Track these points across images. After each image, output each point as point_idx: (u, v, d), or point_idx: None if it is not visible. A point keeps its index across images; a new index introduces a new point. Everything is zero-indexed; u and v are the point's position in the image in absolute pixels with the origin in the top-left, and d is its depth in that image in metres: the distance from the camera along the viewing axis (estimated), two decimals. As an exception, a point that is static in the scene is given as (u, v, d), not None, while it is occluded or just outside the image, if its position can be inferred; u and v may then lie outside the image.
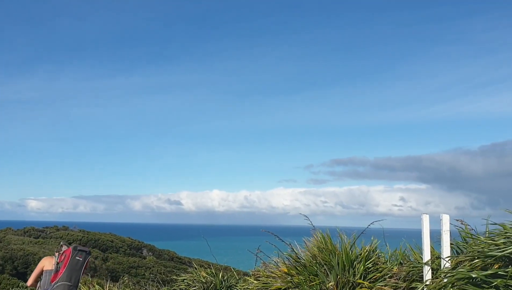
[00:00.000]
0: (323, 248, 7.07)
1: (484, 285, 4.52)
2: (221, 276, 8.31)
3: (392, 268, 6.94)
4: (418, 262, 6.69)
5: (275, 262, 7.60)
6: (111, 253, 44.51)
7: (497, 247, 4.70)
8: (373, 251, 7.06)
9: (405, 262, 7.24)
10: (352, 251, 6.98)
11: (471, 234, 6.04)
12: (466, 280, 4.74)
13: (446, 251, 5.69)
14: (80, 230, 52.18)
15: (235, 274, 8.92)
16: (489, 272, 4.51)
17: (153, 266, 41.09)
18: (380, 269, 6.86)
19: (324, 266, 6.82)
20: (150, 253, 50.80)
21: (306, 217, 7.73)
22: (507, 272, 4.40)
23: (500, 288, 4.39)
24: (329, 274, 6.75)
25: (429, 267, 6.26)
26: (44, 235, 48.59)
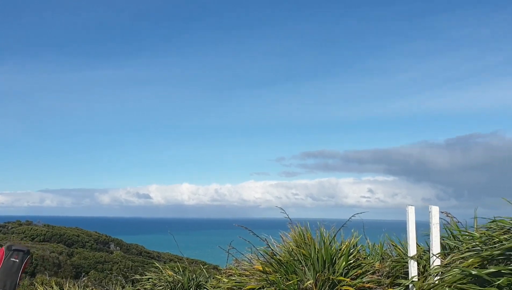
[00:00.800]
0: (301, 242, 6.53)
1: (485, 284, 4.06)
2: (189, 274, 7.67)
3: (374, 264, 6.47)
4: (402, 258, 6.23)
5: (248, 258, 7.03)
6: (76, 248, 43.14)
7: (499, 243, 4.24)
8: (354, 245, 6.57)
9: (387, 257, 6.78)
10: (332, 246, 6.47)
11: (462, 230, 5.60)
12: (466, 279, 4.27)
13: (436, 246, 5.23)
14: (45, 225, 50.41)
15: (205, 271, 8.29)
16: (492, 270, 4.05)
17: (120, 261, 39.99)
18: (362, 265, 6.38)
19: (303, 262, 6.28)
20: (117, 247, 49.57)
21: (282, 209, 7.18)
22: (511, 270, 3.95)
23: (504, 288, 3.93)
24: (307, 271, 6.22)
25: (415, 263, 5.80)
26: (6, 230, 46.70)
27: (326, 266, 6.21)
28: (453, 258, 4.84)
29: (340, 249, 6.48)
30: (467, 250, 4.73)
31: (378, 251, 6.82)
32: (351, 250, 6.48)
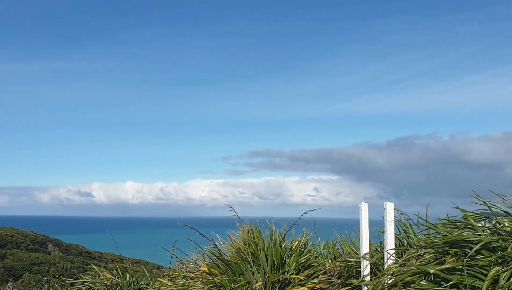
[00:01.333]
0: (250, 242, 6.17)
1: (443, 283, 3.85)
2: (129, 277, 7.11)
3: (325, 263, 6.22)
4: (353, 257, 6.02)
5: (194, 260, 6.59)
6: (10, 249, 40.66)
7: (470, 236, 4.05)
8: (304, 244, 6.28)
9: (338, 256, 6.56)
10: (282, 245, 6.15)
11: (424, 225, 5.43)
12: (419, 276, 4.05)
13: (390, 243, 5.02)
14: (-25, 225, 47.22)
15: (147, 273, 7.75)
16: (448, 266, 3.85)
17: (58, 262, 38.09)
18: (313, 264, 6.11)
19: (251, 263, 5.92)
20: (56, 248, 47.29)
21: (231, 207, 6.79)
22: (469, 265, 3.76)
23: (460, 286, 3.74)
24: (256, 272, 5.87)
25: (367, 262, 5.59)
26: None
27: (276, 266, 5.89)
28: (408, 256, 4.64)
29: (290, 248, 6.18)
30: (424, 245, 4.53)
31: (330, 250, 6.58)
32: (302, 249, 6.19)
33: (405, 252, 5.02)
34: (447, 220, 4.88)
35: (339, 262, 6.15)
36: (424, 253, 4.46)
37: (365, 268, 5.55)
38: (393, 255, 5.01)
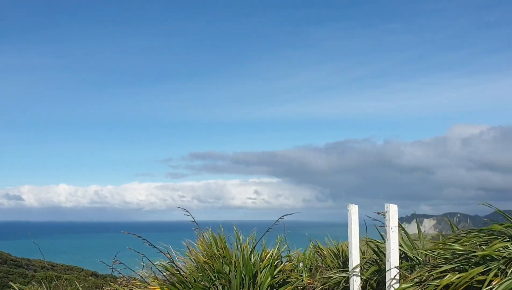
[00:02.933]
0: (212, 254, 5.02)
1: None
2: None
3: (303, 279, 5.20)
4: (340, 270, 5.04)
5: (142, 277, 5.34)
6: None
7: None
8: (278, 256, 5.23)
9: (315, 268, 5.56)
10: (252, 258, 5.06)
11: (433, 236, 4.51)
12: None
13: (394, 256, 4.06)
14: None
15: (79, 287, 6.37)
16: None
17: (-20, 272, 34.67)
18: (290, 280, 5.06)
19: (216, 281, 4.78)
20: (-23, 256, 43.29)
21: (187, 211, 5.61)
22: None
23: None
24: (222, 292, 4.73)
25: (358, 278, 4.63)
26: None
27: (246, 284, 4.79)
28: (423, 273, 3.69)
29: (261, 261, 5.10)
30: (444, 262, 3.60)
31: (306, 261, 5.56)
32: (276, 262, 5.13)
33: (412, 268, 4.09)
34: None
35: (319, 277, 5.15)
36: (445, 270, 3.52)
37: (356, 285, 4.59)
38: (402, 271, 4.06)
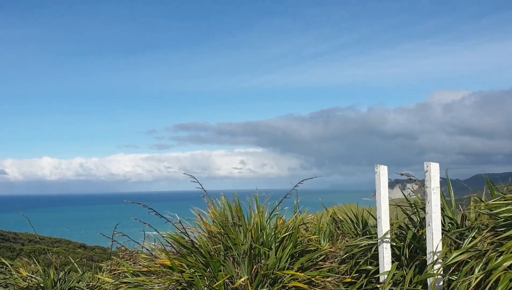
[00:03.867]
0: (226, 223, 4.58)
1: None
2: (54, 274, 5.26)
3: (324, 246, 4.81)
4: (367, 237, 4.65)
5: (147, 249, 4.89)
6: None
7: None
8: (300, 222, 4.80)
9: (337, 235, 5.18)
10: (269, 226, 4.63)
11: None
12: None
13: (436, 220, 3.65)
14: None
15: (77, 267, 5.92)
16: None
17: (-36, 247, 34.03)
18: (310, 248, 4.66)
19: (231, 251, 4.35)
20: (-38, 231, 42.52)
21: (194, 178, 5.13)
22: None
23: None
24: (239, 263, 4.31)
25: (388, 245, 4.24)
26: None
27: (265, 254, 4.37)
28: (476, 241, 3.29)
29: (277, 229, 4.67)
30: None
31: (325, 229, 5.16)
32: (292, 231, 4.71)
33: (463, 235, 3.69)
34: None
35: (341, 244, 4.76)
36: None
37: (386, 253, 4.21)
38: (450, 236, 3.67)
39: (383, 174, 4.30)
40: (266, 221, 4.60)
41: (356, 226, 5.38)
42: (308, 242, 4.78)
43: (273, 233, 4.46)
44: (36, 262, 6.42)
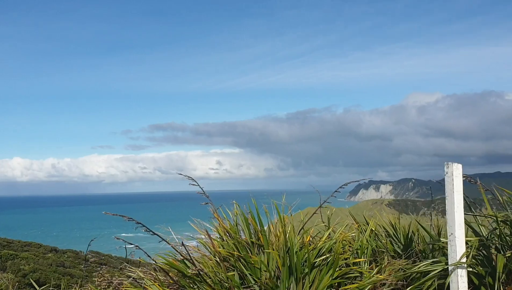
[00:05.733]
0: (241, 242, 3.39)
1: None
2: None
3: (372, 274, 3.65)
4: (433, 261, 3.52)
5: (134, 278, 3.63)
6: None
7: None
8: (340, 241, 3.64)
9: (379, 254, 4.03)
10: (297, 245, 3.45)
11: None
12: None
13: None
14: None
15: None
16: None
17: None
18: (351, 274, 3.50)
19: (247, 280, 3.16)
20: None
21: (193, 180, 3.94)
22: None
23: None
24: (261, 298, 3.13)
25: (464, 271, 3.13)
26: None
27: (296, 285, 3.20)
28: None
29: (308, 250, 3.48)
30: None
31: (363, 241, 4.00)
32: (329, 252, 3.54)
33: None
34: None
35: (393, 269, 3.61)
36: None
37: (461, 282, 3.09)
38: None
39: (457, 175, 3.18)
40: (298, 239, 3.43)
41: (394, 239, 4.27)
42: (346, 262, 3.62)
43: (305, 255, 3.30)
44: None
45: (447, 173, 3.18)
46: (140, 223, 3.20)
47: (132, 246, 3.69)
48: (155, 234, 3.27)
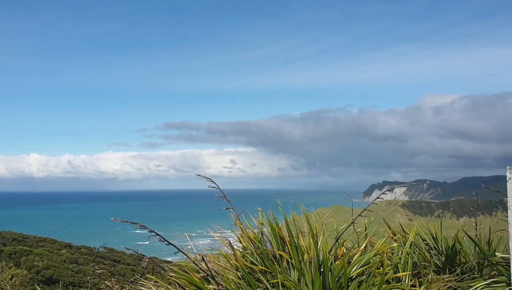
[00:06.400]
0: (266, 254, 2.98)
1: None
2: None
3: None
4: (493, 280, 3.07)
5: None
6: None
7: None
8: (380, 253, 3.20)
9: (420, 269, 3.58)
10: (331, 258, 3.04)
11: None
12: None
13: None
14: None
15: None
16: None
17: None
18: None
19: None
20: None
21: (210, 179, 3.55)
22: None
23: None
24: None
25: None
26: None
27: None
28: None
29: (342, 265, 3.06)
30: None
31: (404, 254, 3.56)
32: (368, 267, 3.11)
33: None
34: None
35: (441, 286, 3.17)
36: None
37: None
38: None
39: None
40: (329, 252, 3.01)
41: (436, 251, 3.82)
42: (385, 278, 3.18)
43: (340, 272, 2.87)
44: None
45: (510, 179, 2.73)
46: (153, 232, 2.82)
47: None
48: (170, 244, 2.88)
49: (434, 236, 3.96)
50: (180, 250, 2.92)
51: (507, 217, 2.78)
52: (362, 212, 3.32)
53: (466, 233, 3.60)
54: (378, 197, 3.39)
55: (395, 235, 4.10)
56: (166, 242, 2.83)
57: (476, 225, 4.20)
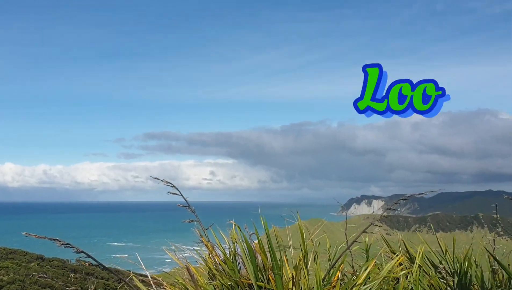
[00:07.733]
0: (240, 284, 2.22)
1: None
2: None
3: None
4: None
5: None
6: None
7: None
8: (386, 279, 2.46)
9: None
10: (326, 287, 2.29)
11: None
12: None
13: None
14: None
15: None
16: None
17: None
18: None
19: None
20: None
21: (174, 186, 2.79)
22: None
23: None
24: None
25: None
26: None
27: None
28: None
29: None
30: None
31: (416, 279, 2.82)
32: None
33: None
34: None
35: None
36: None
37: None
38: None
39: None
40: (323, 280, 2.25)
41: (445, 274, 3.11)
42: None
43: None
44: None
45: None
46: (83, 252, 2.04)
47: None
48: (104, 267, 2.09)
49: (444, 255, 3.25)
50: (120, 278, 2.13)
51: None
52: (368, 227, 2.58)
53: (495, 257, 2.88)
54: (388, 209, 2.66)
55: (394, 254, 3.39)
56: (101, 267, 2.06)
57: (494, 244, 3.51)
